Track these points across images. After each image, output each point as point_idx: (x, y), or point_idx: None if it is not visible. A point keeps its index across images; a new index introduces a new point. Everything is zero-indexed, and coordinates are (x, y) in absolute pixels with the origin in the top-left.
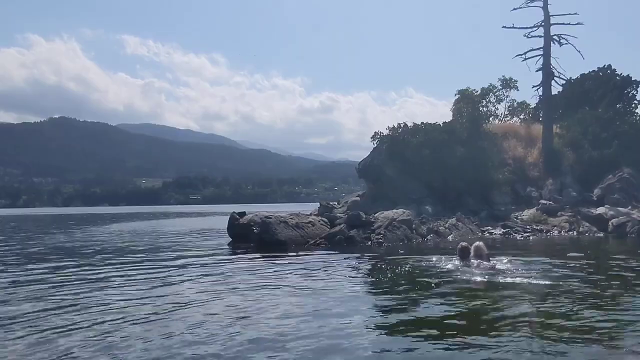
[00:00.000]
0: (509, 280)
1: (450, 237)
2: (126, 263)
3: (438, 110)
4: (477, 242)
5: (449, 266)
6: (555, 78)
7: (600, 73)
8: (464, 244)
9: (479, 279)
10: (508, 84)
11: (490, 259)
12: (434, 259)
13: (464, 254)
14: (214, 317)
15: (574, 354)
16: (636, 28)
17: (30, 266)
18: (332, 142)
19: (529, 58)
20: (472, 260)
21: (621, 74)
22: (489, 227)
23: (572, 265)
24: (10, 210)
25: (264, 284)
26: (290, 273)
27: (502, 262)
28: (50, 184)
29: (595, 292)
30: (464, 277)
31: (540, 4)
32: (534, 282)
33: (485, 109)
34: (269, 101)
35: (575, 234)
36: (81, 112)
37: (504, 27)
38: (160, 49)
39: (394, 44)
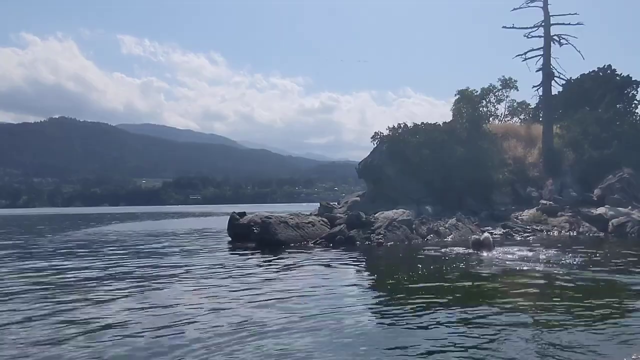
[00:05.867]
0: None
1: (450, 237)
2: (127, 262)
3: (438, 110)
4: (485, 234)
5: (463, 254)
6: (555, 78)
7: (600, 73)
8: (475, 236)
9: (487, 265)
10: (508, 84)
11: (497, 248)
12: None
13: (475, 246)
14: (212, 314)
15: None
16: (636, 28)
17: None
18: (332, 142)
19: (529, 58)
20: (483, 251)
21: (621, 74)
22: (489, 227)
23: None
24: (10, 211)
25: (264, 283)
26: (290, 272)
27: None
28: (50, 184)
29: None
30: (476, 264)
31: (540, 4)
32: (532, 267)
33: (485, 109)
34: (268, 101)
35: (575, 234)
36: (81, 112)
37: (504, 27)
38: (157, 48)
39: (393, 43)
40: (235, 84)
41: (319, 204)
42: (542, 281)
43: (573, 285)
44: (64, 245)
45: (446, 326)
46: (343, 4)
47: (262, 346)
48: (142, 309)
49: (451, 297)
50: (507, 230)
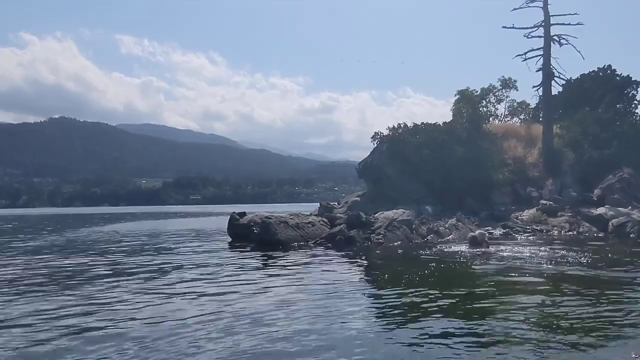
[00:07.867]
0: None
1: (450, 237)
2: (125, 261)
3: (438, 110)
4: (478, 231)
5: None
6: (555, 78)
7: (600, 73)
8: (472, 233)
9: (482, 262)
10: (508, 84)
11: (493, 246)
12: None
13: (471, 243)
14: (212, 314)
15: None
16: (636, 28)
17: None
18: (332, 142)
19: (529, 58)
20: (479, 248)
21: (621, 74)
22: (489, 227)
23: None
24: (10, 210)
25: (262, 282)
26: (289, 272)
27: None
28: (50, 184)
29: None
30: (472, 262)
31: (540, 4)
32: (526, 264)
33: (485, 109)
34: (268, 101)
35: (575, 234)
36: (81, 112)
37: (504, 27)
38: (156, 48)
39: (393, 43)
40: (235, 84)
41: (319, 204)
42: (536, 279)
43: (568, 283)
44: (62, 244)
45: (443, 324)
46: (343, 4)
47: (255, 344)
48: (139, 307)
49: (448, 296)
50: (507, 230)
